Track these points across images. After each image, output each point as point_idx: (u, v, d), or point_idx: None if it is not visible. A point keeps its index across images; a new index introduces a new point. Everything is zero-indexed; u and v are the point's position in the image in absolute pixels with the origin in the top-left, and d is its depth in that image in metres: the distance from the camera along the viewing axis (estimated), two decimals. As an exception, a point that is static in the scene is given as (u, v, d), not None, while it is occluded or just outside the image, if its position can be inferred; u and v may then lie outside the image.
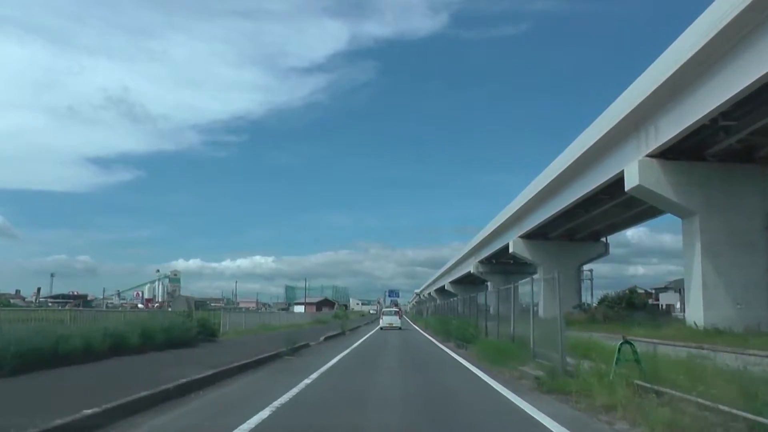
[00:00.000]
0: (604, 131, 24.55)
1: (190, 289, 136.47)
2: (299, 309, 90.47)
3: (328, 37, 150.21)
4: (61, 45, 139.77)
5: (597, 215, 35.71)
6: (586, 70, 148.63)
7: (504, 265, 60.44)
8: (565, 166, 29.89)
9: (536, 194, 36.04)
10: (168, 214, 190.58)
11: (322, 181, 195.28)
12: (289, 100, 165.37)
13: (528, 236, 43.56)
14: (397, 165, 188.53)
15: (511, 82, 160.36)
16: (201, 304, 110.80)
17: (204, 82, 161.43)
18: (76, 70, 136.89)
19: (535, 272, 62.69)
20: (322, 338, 21.09)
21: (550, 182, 32.85)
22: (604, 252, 45.37)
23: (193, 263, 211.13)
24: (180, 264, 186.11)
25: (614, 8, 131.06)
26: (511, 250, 44.85)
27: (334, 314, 64.09)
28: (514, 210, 42.43)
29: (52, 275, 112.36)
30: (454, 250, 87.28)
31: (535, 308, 18.04)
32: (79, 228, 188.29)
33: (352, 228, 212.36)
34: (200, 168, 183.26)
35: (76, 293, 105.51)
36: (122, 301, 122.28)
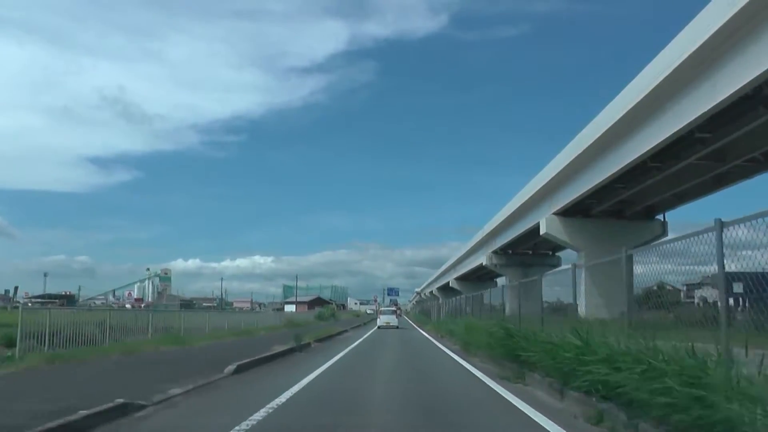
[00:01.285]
0: (720, 23, 14.61)
1: (190, 289, 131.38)
2: (291, 308, 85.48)
3: (328, 37, 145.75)
4: (59, 45, 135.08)
5: (671, 176, 25.45)
6: (586, 70, 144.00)
7: (522, 255, 51.89)
8: (642, 96, 19.75)
9: (589, 146, 25.55)
10: (167, 214, 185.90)
11: (322, 181, 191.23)
12: (288, 101, 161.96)
13: (564, 213, 33.35)
14: (397, 165, 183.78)
15: (511, 83, 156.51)
16: (188, 303, 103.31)
17: (204, 83, 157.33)
18: (75, 70, 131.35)
19: (558, 263, 53.13)
20: (232, 366, 10.84)
21: (613, 125, 22.57)
22: (661, 233, 34.73)
23: (192, 263, 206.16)
24: (179, 264, 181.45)
25: (614, 9, 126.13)
26: (543, 231, 34.39)
27: (317, 315, 51.76)
28: (549, 177, 31.77)
29: (45, 275, 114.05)
30: (454, 250, 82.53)
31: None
32: (77, 228, 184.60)
33: (351, 228, 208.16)
34: (199, 168, 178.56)
35: (68, 293, 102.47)
36: (115, 301, 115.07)
